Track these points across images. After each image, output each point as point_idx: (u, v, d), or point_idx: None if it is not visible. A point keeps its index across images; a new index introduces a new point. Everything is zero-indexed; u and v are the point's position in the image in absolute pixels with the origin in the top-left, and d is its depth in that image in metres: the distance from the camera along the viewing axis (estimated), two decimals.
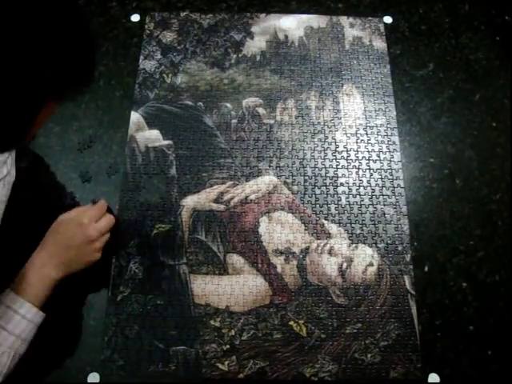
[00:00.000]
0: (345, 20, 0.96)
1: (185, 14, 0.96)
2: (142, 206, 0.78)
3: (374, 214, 0.79)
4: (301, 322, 0.71)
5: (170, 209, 0.78)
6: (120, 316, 0.71)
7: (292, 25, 0.95)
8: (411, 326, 0.71)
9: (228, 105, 0.87)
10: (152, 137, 0.84)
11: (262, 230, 0.77)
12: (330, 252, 0.75)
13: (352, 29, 0.95)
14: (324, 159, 0.83)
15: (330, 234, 0.77)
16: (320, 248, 0.75)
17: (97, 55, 0.51)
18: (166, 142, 0.83)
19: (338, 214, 0.78)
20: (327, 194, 0.80)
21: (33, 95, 0.45)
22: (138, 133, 0.84)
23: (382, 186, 0.81)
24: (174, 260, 0.74)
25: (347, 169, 0.82)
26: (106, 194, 0.78)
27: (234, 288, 0.73)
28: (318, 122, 0.86)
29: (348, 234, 0.77)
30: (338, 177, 0.81)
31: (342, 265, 0.74)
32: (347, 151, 0.84)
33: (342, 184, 0.81)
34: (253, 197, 0.79)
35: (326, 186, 0.81)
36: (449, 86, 0.90)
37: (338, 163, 0.83)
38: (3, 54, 0.41)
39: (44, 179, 0.81)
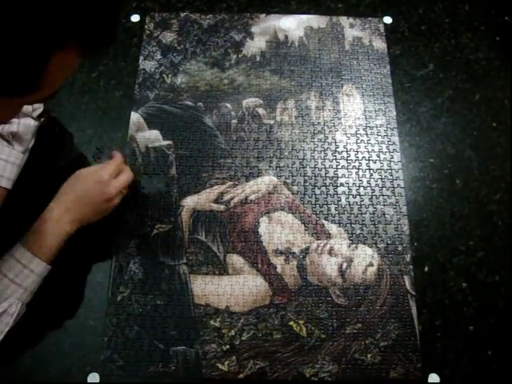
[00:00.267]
0: (345, 20, 0.96)
1: (185, 14, 0.96)
2: (142, 206, 0.78)
3: (373, 214, 0.79)
4: (301, 322, 0.71)
5: (170, 209, 0.78)
6: (120, 316, 0.71)
7: (292, 25, 0.96)
8: (411, 326, 0.71)
9: (228, 105, 0.87)
10: (152, 137, 0.84)
11: (261, 230, 0.77)
12: (330, 252, 0.75)
13: (352, 29, 0.95)
14: (324, 159, 0.83)
15: (329, 234, 0.77)
16: (320, 248, 0.75)
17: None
18: (166, 142, 0.83)
19: (338, 214, 0.78)
20: (327, 195, 0.80)
21: (45, 31, 0.40)
22: (138, 133, 0.84)
23: (382, 187, 0.81)
24: (173, 260, 0.74)
25: (347, 169, 0.82)
26: None
27: (233, 288, 0.73)
28: (318, 123, 0.86)
29: (348, 234, 0.77)
30: (337, 177, 0.81)
31: (341, 265, 0.74)
32: (347, 151, 0.84)
33: (341, 184, 0.81)
34: (253, 197, 0.79)
35: (325, 186, 0.81)
36: (449, 86, 0.90)
37: (338, 163, 0.83)
38: None
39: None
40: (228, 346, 0.69)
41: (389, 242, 0.76)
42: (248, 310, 0.72)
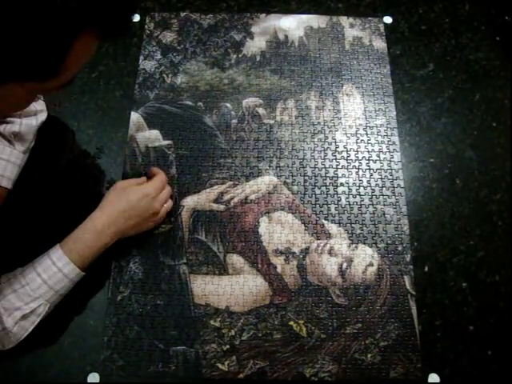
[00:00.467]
0: (345, 20, 0.96)
1: (185, 14, 0.96)
2: None
3: (373, 214, 0.79)
4: (301, 322, 0.71)
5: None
6: (120, 316, 0.71)
7: (292, 25, 0.95)
8: (411, 326, 0.71)
9: (228, 105, 0.87)
10: (152, 137, 0.84)
11: (262, 230, 0.77)
12: (330, 252, 0.75)
13: (352, 29, 0.95)
14: (324, 159, 0.83)
15: (329, 234, 0.77)
16: (320, 248, 0.75)
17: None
18: (166, 142, 0.83)
19: (338, 214, 0.78)
20: (327, 194, 0.80)
21: (68, 18, 0.43)
22: (138, 133, 0.84)
23: (382, 186, 0.81)
24: (174, 260, 0.74)
25: (347, 169, 0.82)
26: None
27: (234, 288, 0.73)
28: (318, 122, 0.86)
29: (348, 234, 0.77)
30: (338, 177, 0.81)
31: (341, 265, 0.74)
32: (347, 151, 0.84)
33: (341, 184, 0.81)
34: (253, 197, 0.79)
35: (326, 186, 0.81)
36: (449, 85, 0.90)
37: (338, 163, 0.83)
38: None
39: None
40: (228, 346, 0.69)
41: (389, 241, 0.76)
42: (248, 309, 0.72)
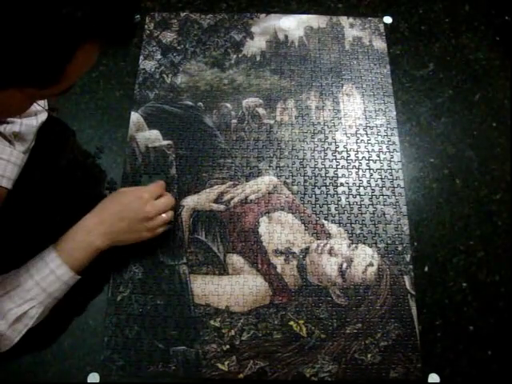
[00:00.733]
0: (345, 20, 0.96)
1: (185, 14, 0.96)
2: None
3: (373, 214, 0.79)
4: (301, 322, 0.71)
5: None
6: (120, 316, 0.71)
7: (292, 25, 0.95)
8: (411, 326, 0.71)
9: (228, 105, 0.87)
10: (152, 137, 0.84)
11: (262, 230, 0.77)
12: (330, 252, 0.75)
13: (352, 29, 0.95)
14: (324, 159, 0.83)
15: (329, 234, 0.77)
16: (320, 248, 0.75)
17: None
18: (166, 142, 0.83)
19: (338, 214, 0.78)
20: (327, 194, 0.80)
21: (70, 29, 0.43)
22: (138, 133, 0.84)
23: (382, 186, 0.81)
24: (173, 260, 0.74)
25: (347, 169, 0.82)
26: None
27: (233, 288, 0.73)
28: (318, 122, 0.86)
29: (348, 234, 0.77)
30: (337, 177, 0.81)
31: (341, 265, 0.74)
32: (347, 151, 0.84)
33: (341, 184, 0.81)
34: (253, 197, 0.79)
35: (326, 186, 0.81)
36: (449, 85, 0.90)
37: (338, 163, 0.83)
38: None
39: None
40: (228, 346, 0.69)
41: (389, 241, 0.76)
42: (248, 309, 0.72)
